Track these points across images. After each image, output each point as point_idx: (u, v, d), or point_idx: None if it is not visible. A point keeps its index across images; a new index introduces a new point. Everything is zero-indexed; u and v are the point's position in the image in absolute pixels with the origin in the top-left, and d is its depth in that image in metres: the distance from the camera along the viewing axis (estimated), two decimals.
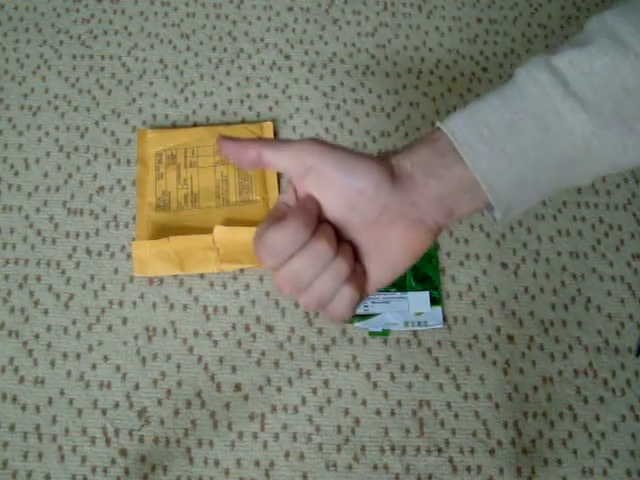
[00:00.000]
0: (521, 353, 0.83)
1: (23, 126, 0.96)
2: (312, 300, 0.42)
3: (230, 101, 0.99)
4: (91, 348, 0.82)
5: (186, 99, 0.99)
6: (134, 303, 0.84)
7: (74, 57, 1.02)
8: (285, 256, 0.41)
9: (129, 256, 0.87)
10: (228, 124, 0.97)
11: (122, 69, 1.01)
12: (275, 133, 0.96)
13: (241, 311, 0.85)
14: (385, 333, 0.83)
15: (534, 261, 0.89)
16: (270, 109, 0.99)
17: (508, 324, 0.85)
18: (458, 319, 0.85)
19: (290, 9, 1.07)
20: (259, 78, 1.01)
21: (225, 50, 1.03)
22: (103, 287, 0.85)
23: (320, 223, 0.42)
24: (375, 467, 0.77)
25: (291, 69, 1.02)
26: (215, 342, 0.83)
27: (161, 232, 0.87)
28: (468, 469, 0.77)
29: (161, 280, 0.86)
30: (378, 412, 0.80)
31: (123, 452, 0.77)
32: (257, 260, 0.41)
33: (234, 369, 0.81)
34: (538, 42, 1.06)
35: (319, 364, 0.82)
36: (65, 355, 0.81)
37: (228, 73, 1.01)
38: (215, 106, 0.99)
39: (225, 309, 0.85)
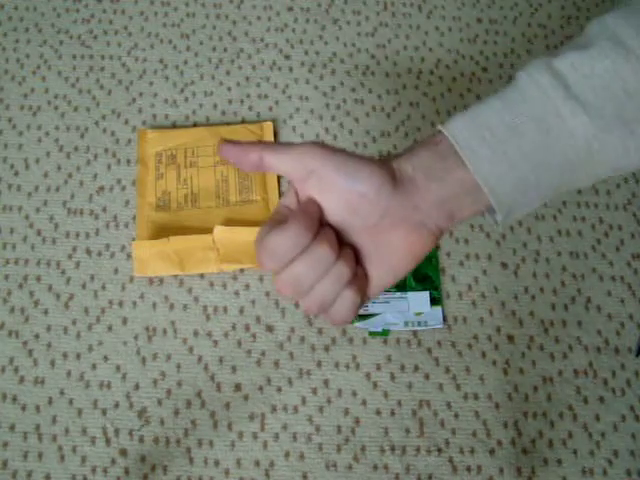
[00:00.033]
0: (521, 353, 0.83)
1: (23, 126, 0.96)
2: (313, 304, 0.42)
3: (230, 101, 0.99)
4: (91, 348, 0.82)
5: (186, 99, 0.99)
6: (134, 303, 0.84)
7: (74, 57, 1.02)
8: (286, 260, 0.41)
9: (129, 256, 0.87)
10: (228, 124, 0.97)
11: (122, 69, 1.01)
12: (275, 133, 0.96)
13: (241, 311, 0.85)
14: (385, 333, 0.83)
15: (534, 261, 0.89)
16: (270, 109, 0.99)
17: (508, 324, 0.85)
18: (458, 319, 0.85)
19: (290, 9, 1.07)
20: (259, 78, 1.01)
21: (225, 50, 1.03)
22: (103, 287, 0.85)
23: (321, 227, 0.42)
24: (375, 467, 0.77)
25: (291, 69, 1.02)
26: (215, 342, 0.83)
27: (161, 232, 0.87)
28: (468, 469, 0.77)
29: (161, 280, 0.86)
30: (378, 412, 0.80)
31: (123, 452, 0.77)
32: (258, 264, 0.41)
33: (234, 369, 0.81)
34: (538, 42, 1.06)
35: (319, 364, 0.82)
36: (65, 355, 0.81)
37: (228, 73, 1.01)
38: (215, 106, 0.99)
39: (225, 309, 0.85)
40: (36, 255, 0.87)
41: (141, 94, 0.99)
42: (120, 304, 0.84)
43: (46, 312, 0.83)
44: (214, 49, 1.03)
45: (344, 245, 0.43)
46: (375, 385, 0.81)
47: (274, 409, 0.79)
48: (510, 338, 0.84)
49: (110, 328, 0.83)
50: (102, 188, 0.92)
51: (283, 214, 0.43)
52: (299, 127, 0.97)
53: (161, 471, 0.76)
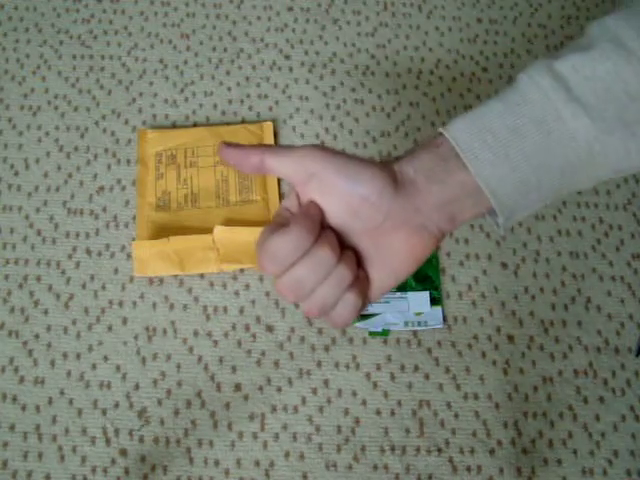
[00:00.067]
0: (521, 353, 0.83)
1: (23, 126, 0.96)
2: (315, 307, 0.42)
3: (230, 101, 0.99)
4: (91, 348, 0.82)
5: (186, 99, 0.99)
6: (134, 303, 0.84)
7: (74, 57, 1.01)
8: (287, 263, 0.41)
9: (129, 256, 0.87)
10: (228, 124, 0.97)
11: (122, 69, 1.01)
12: (275, 133, 0.96)
13: (241, 311, 0.85)
14: (385, 333, 0.83)
15: (534, 261, 0.89)
16: (270, 109, 0.99)
17: (508, 324, 0.85)
18: (458, 319, 0.85)
19: (290, 9, 1.07)
20: (259, 78, 1.01)
21: (225, 50, 1.03)
22: (103, 287, 0.85)
23: (322, 229, 0.42)
24: (375, 467, 0.77)
25: (291, 69, 1.02)
26: (215, 342, 0.83)
27: (161, 232, 0.87)
28: (468, 469, 0.77)
29: (161, 280, 0.86)
30: (378, 412, 0.80)
31: (123, 452, 0.77)
32: (259, 268, 0.41)
33: (234, 369, 0.81)
34: (538, 42, 1.06)
35: (319, 364, 0.82)
36: (65, 355, 0.81)
37: (228, 73, 1.01)
38: (215, 106, 0.99)
39: (225, 309, 0.85)
40: (36, 255, 0.87)
41: (141, 94, 0.99)
42: (120, 304, 0.84)
43: (46, 312, 0.83)
44: (214, 49, 1.03)
45: (345, 248, 0.43)
46: (375, 385, 0.81)
47: (274, 409, 0.79)
48: (510, 338, 0.84)
49: (110, 328, 0.83)
50: (102, 188, 0.92)
51: (284, 217, 0.43)
52: (299, 127, 0.97)
53: (161, 471, 0.76)
